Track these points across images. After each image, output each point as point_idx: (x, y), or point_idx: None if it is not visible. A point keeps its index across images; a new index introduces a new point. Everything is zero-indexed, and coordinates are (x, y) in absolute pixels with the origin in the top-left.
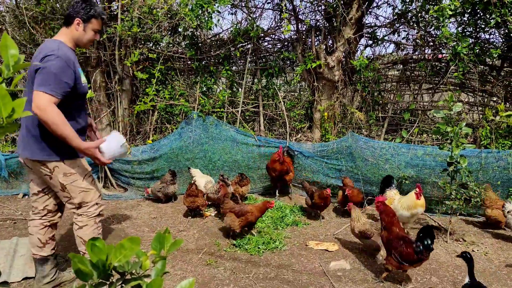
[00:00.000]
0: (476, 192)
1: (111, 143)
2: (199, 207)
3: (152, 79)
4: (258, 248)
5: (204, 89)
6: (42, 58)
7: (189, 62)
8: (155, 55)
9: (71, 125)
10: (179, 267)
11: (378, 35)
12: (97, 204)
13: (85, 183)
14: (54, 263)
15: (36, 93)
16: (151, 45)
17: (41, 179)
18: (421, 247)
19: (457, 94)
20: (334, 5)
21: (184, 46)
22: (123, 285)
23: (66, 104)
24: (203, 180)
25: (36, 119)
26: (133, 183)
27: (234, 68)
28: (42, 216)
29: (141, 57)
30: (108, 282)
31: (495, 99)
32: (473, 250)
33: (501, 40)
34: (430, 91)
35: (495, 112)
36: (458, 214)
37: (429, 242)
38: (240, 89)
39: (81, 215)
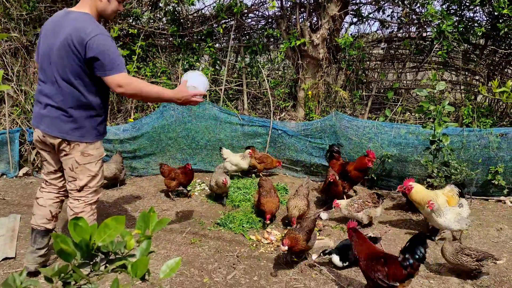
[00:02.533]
0: (458, 170)
1: (193, 78)
2: (176, 188)
3: (133, 56)
4: (243, 227)
5: (187, 66)
6: (88, 39)
7: (171, 39)
8: (135, 30)
9: (107, 100)
10: (162, 246)
11: (363, 13)
12: (96, 191)
13: (96, 167)
14: (49, 239)
15: (109, 79)
16: (131, 20)
17: (56, 158)
18: (410, 260)
19: (440, 73)
20: None
21: (165, 22)
22: (107, 265)
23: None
24: (236, 158)
25: (73, 100)
26: None
27: (217, 45)
28: (59, 190)
29: (121, 33)
30: (91, 263)
31: (477, 77)
32: None
33: (485, 18)
34: (414, 70)
35: (478, 91)
36: None
37: (422, 252)
38: (223, 67)
39: (78, 199)
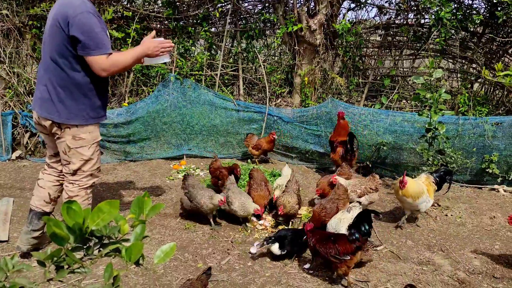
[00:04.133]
0: (453, 158)
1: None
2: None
3: (127, 39)
4: None
5: (182, 50)
6: (71, 17)
7: (166, 22)
8: (130, 13)
9: (105, 83)
10: (157, 231)
11: None
12: (91, 175)
13: (89, 152)
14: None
15: (92, 59)
16: (126, 2)
17: (53, 141)
18: (356, 234)
19: (437, 60)
20: None
21: (161, 5)
22: (101, 249)
23: None
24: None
25: (61, 81)
26: (109, 147)
27: (213, 29)
28: (60, 174)
29: (116, 15)
30: (85, 247)
31: (475, 66)
32: (446, 215)
33: (484, 6)
34: (411, 57)
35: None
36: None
37: (367, 228)
38: (219, 52)
39: (72, 183)
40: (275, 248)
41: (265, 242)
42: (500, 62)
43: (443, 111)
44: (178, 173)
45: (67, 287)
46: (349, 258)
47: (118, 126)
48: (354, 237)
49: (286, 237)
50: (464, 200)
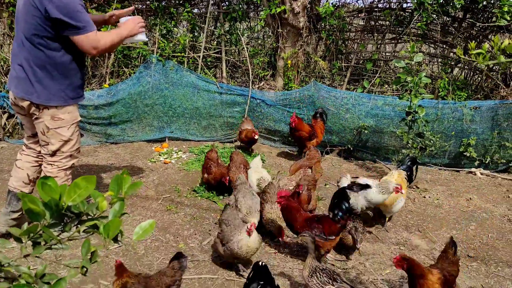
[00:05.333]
0: (432, 141)
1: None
2: None
3: None
4: (218, 194)
5: (164, 31)
6: None
7: (148, 2)
8: None
9: (83, 63)
10: (138, 213)
11: None
12: (71, 156)
13: (69, 132)
14: None
15: (80, 38)
16: None
17: (31, 122)
18: (340, 214)
19: (419, 44)
20: None
21: None
22: (78, 225)
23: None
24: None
25: (39, 60)
26: (89, 129)
27: (195, 10)
28: (38, 155)
29: None
30: (62, 223)
31: (455, 50)
32: (424, 197)
33: None
34: (393, 41)
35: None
36: None
37: (346, 205)
38: (202, 33)
39: (51, 164)
40: None
41: None
42: (473, 42)
43: (423, 94)
44: (160, 155)
45: (45, 264)
46: (333, 238)
47: (99, 108)
48: (338, 217)
49: None
50: (442, 182)
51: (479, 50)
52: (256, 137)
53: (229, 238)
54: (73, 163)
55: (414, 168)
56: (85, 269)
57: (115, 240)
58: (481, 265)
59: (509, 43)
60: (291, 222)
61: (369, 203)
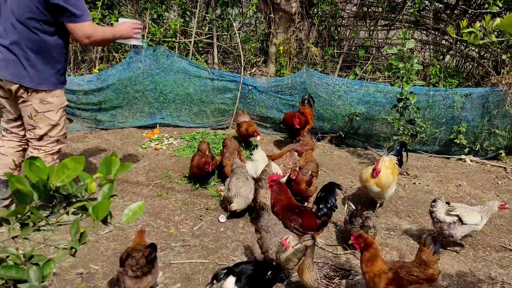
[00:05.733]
0: (423, 128)
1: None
2: None
3: (97, 2)
4: (210, 181)
5: (155, 16)
6: None
7: None
8: None
9: (67, 47)
10: (129, 198)
11: None
12: (58, 141)
13: (57, 116)
14: None
15: (77, 26)
16: None
17: (15, 105)
18: (324, 209)
19: (411, 31)
20: None
21: None
22: (67, 207)
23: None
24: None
25: (33, 44)
26: (79, 114)
27: None
28: (21, 139)
29: None
30: (50, 205)
31: (447, 37)
32: (414, 183)
33: None
34: (385, 28)
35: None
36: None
37: (333, 201)
38: (193, 19)
39: (38, 149)
40: (230, 284)
41: (214, 281)
42: (465, 20)
43: (414, 81)
44: (150, 141)
45: (33, 245)
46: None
47: (89, 93)
48: (322, 213)
49: (244, 271)
50: (432, 169)
51: (471, 29)
52: (258, 138)
53: (268, 247)
54: (60, 148)
55: (404, 152)
56: (74, 250)
57: (105, 222)
58: (469, 249)
59: (501, 20)
60: (273, 203)
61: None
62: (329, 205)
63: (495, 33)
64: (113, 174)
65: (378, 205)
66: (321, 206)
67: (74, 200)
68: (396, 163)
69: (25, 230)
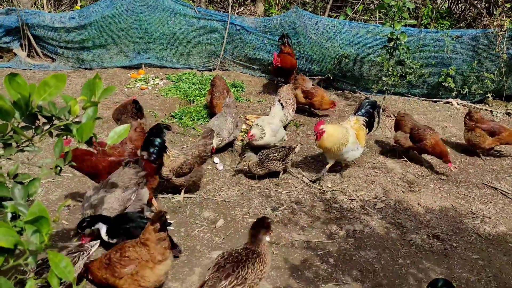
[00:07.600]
0: (412, 69)
1: None
2: None
3: None
4: (193, 120)
5: None
6: None
7: None
8: None
9: None
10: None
11: None
12: None
13: None
14: None
15: None
16: None
17: None
18: (154, 152)
19: None
20: None
21: None
22: (51, 130)
23: None
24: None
25: None
26: (61, 53)
27: None
28: None
29: None
30: (33, 126)
31: None
32: None
33: None
34: None
35: None
36: (391, 92)
37: (159, 141)
38: None
39: None
40: (103, 232)
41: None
42: None
43: (406, 20)
44: (136, 82)
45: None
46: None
47: (71, 31)
48: (154, 157)
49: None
50: (419, 112)
51: None
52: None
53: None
54: None
55: (375, 113)
56: (58, 168)
57: (89, 143)
58: (452, 187)
59: None
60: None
61: None
62: (156, 147)
63: None
64: (97, 97)
65: (326, 167)
66: (151, 150)
67: (57, 122)
68: (363, 125)
69: (8, 150)
